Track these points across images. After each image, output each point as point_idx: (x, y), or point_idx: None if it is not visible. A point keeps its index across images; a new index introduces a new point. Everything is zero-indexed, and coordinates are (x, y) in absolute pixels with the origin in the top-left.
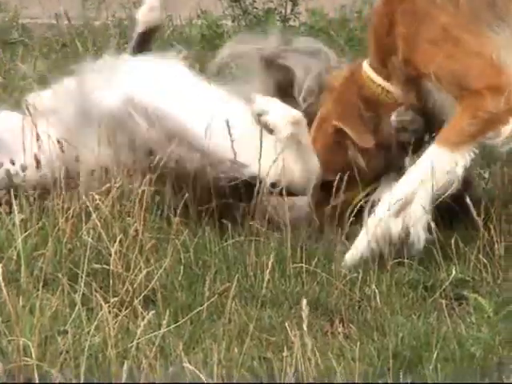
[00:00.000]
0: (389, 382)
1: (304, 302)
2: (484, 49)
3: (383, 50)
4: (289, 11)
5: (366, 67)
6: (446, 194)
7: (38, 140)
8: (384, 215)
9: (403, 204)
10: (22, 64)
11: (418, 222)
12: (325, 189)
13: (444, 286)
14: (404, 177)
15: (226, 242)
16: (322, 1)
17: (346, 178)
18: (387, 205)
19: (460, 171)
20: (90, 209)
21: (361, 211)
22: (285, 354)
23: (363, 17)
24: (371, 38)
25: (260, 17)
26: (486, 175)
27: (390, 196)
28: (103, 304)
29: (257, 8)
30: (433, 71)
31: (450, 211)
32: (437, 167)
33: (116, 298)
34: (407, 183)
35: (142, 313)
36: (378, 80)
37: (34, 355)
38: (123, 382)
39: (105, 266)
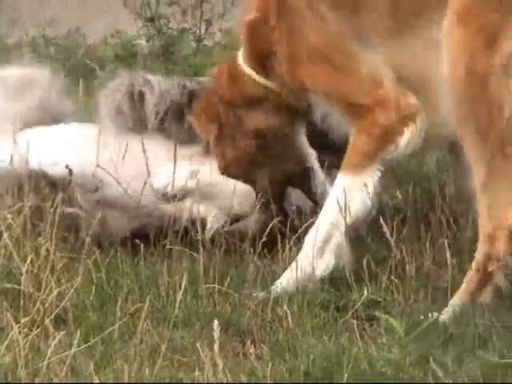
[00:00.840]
0: None
1: (215, 322)
2: (357, 65)
3: (262, 56)
4: (203, 31)
5: (244, 67)
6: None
7: None
8: (310, 257)
9: (324, 244)
10: None
11: (341, 256)
12: None
13: (355, 307)
14: (321, 213)
15: (139, 261)
16: (236, 21)
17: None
18: (311, 246)
19: (371, 192)
20: (2, 228)
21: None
22: (196, 374)
23: None
24: (248, 42)
25: (174, 37)
26: (398, 195)
27: (311, 237)
28: (14, 324)
29: (171, 28)
30: (321, 91)
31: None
32: (348, 196)
33: (27, 318)
34: (324, 221)
35: (53, 333)
36: (260, 80)
37: None
38: None
39: (16, 286)
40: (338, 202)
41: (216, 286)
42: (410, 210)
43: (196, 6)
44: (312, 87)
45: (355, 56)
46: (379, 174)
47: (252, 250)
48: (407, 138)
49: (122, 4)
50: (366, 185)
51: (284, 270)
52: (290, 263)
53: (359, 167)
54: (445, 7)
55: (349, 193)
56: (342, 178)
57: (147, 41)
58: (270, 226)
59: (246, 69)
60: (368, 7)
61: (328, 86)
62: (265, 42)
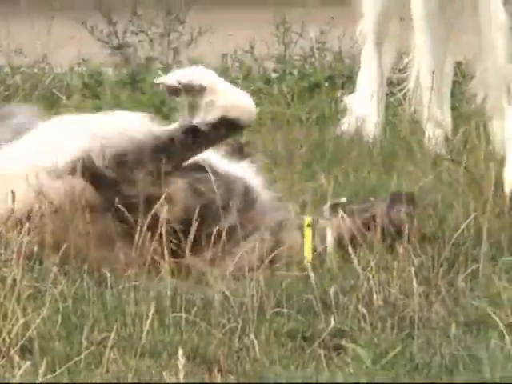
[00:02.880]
0: None
1: (180, 351)
2: None
3: None
4: (171, 60)
5: None
6: None
7: None
8: None
9: None
10: None
11: None
12: None
13: (323, 336)
14: None
15: (105, 290)
16: (203, 49)
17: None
18: None
19: None
20: None
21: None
22: None
23: (245, 66)
24: None
25: (142, 65)
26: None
27: None
28: None
29: (138, 56)
30: None
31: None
32: None
33: None
34: None
35: (18, 363)
36: None
37: None
38: None
39: None
40: None
41: (183, 314)
42: (377, 240)
43: (164, 34)
44: None
45: None
46: None
47: (219, 280)
48: None
49: (88, 32)
50: None
51: (252, 298)
52: (257, 291)
53: None
54: None
55: None
56: None
57: (114, 69)
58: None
59: None
60: None
61: None
62: None
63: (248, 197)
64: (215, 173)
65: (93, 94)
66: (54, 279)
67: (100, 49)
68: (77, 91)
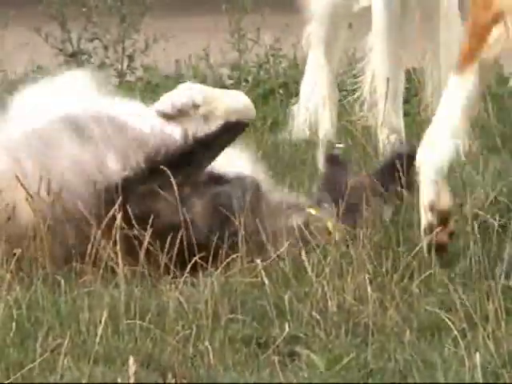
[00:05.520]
0: None
1: (131, 359)
2: None
3: None
4: (125, 67)
5: None
6: None
7: None
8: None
9: None
10: None
11: None
12: None
13: (277, 343)
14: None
15: (59, 297)
16: (158, 56)
17: None
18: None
19: None
20: None
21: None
22: None
23: (199, 71)
24: None
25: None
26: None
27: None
28: None
29: (93, 63)
30: None
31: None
32: None
33: None
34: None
35: None
36: None
37: None
38: None
39: None
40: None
41: (137, 321)
42: (331, 246)
43: (118, 41)
44: None
45: None
46: None
47: (174, 287)
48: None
49: (42, 39)
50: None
51: (206, 304)
52: (212, 298)
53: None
54: None
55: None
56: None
57: None
58: (193, 261)
59: None
60: None
61: None
62: None
63: (259, 192)
64: (225, 178)
65: None
66: (8, 286)
67: (54, 56)
68: None
